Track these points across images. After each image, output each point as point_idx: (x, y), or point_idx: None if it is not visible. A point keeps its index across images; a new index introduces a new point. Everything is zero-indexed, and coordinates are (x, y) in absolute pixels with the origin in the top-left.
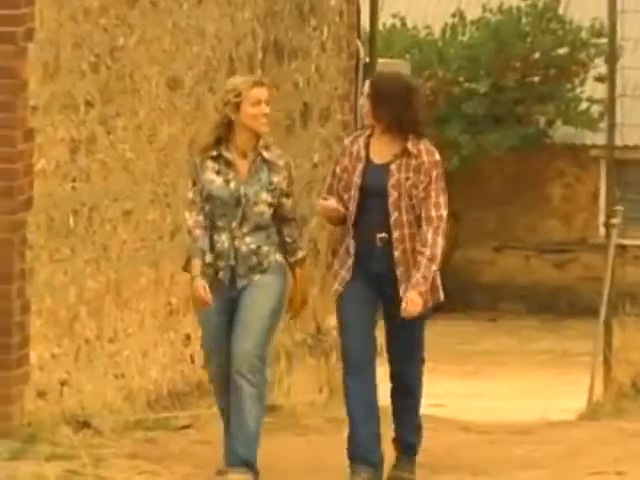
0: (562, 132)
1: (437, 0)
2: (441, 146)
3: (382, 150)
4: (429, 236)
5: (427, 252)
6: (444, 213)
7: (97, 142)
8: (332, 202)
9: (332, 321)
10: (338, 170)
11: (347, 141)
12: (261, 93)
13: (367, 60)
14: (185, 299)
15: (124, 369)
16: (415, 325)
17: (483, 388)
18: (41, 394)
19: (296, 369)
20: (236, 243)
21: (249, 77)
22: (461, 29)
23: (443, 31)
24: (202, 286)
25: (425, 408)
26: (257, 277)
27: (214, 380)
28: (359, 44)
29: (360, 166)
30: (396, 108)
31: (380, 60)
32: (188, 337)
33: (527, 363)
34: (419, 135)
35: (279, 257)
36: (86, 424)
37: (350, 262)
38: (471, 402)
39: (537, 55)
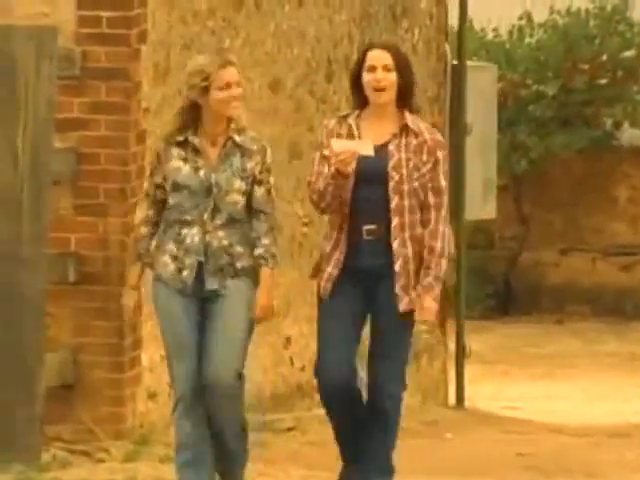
0: (629, 134)
1: (504, 2)
2: (510, 148)
3: (377, 130)
4: (439, 227)
5: (437, 247)
6: (447, 199)
7: None
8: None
9: (420, 325)
10: (321, 154)
11: (331, 123)
12: (230, 75)
13: (455, 62)
14: (286, 301)
15: None
16: (403, 333)
17: (554, 390)
18: (151, 396)
19: None
20: (207, 238)
21: (215, 56)
22: (528, 31)
23: (510, 33)
24: (132, 304)
25: (501, 411)
26: (228, 282)
27: (183, 400)
28: (447, 47)
29: None
30: (407, 79)
31: (469, 63)
32: (288, 339)
33: (595, 366)
34: (411, 110)
35: (252, 260)
36: None
37: (339, 257)
38: (545, 404)
39: (605, 57)
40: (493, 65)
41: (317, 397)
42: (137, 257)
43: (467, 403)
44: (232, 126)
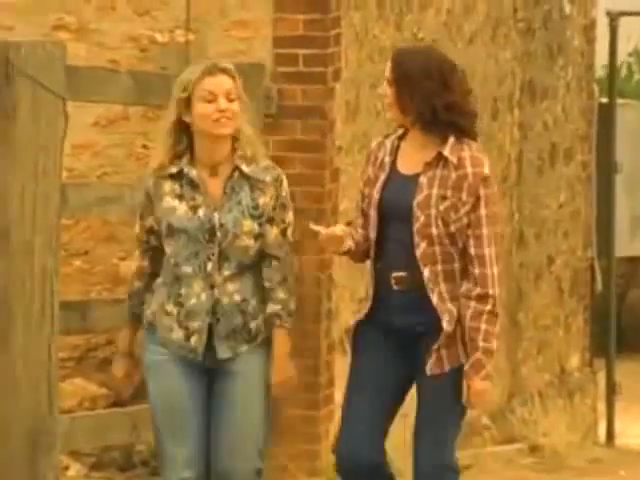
0: None
1: None
2: None
3: (413, 156)
4: (487, 290)
5: (485, 311)
6: (495, 250)
7: None
8: (336, 229)
9: (574, 361)
10: (362, 184)
11: (374, 144)
12: (216, 84)
13: (603, 100)
14: None
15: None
16: (444, 409)
17: None
18: None
19: (549, 410)
20: (216, 293)
21: (203, 63)
22: (637, 68)
23: (618, 69)
24: (121, 374)
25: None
26: (244, 348)
27: None
28: (594, 84)
29: (382, 176)
30: (428, 92)
31: (619, 100)
32: None
33: None
34: (464, 133)
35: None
36: None
37: (365, 308)
38: None
39: None
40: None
41: (487, 434)
42: (130, 318)
43: (618, 440)
44: (238, 153)
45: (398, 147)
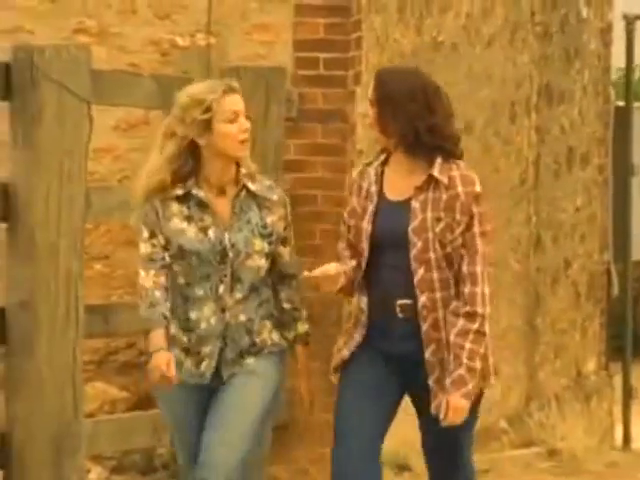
0: None
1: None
2: None
3: (400, 182)
4: (477, 309)
5: (472, 330)
6: (488, 269)
7: None
8: (329, 268)
9: (591, 365)
10: (346, 215)
11: (355, 173)
12: (237, 103)
13: (619, 104)
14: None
15: None
16: (459, 428)
17: None
18: None
19: (566, 413)
20: (227, 317)
21: (213, 82)
22: None
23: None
24: (166, 361)
25: None
26: (249, 360)
27: None
28: (611, 88)
29: (370, 206)
30: (411, 114)
31: (635, 103)
32: None
33: None
34: (449, 154)
35: (276, 336)
36: (405, 467)
37: (358, 337)
38: None
39: None
40: None
41: (505, 439)
42: (157, 323)
43: (634, 444)
44: (242, 171)
45: (382, 174)
